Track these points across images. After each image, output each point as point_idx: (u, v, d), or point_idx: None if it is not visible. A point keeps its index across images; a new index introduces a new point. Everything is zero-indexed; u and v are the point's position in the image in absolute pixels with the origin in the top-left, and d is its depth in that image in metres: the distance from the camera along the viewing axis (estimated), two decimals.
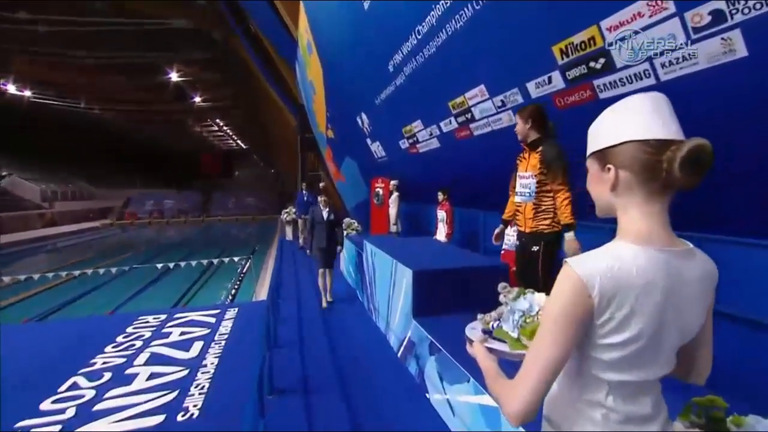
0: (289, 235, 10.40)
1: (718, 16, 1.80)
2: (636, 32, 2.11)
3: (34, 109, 23.82)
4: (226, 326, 3.92)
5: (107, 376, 2.90)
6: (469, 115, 4.06)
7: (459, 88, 3.93)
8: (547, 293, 2.17)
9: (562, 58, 2.60)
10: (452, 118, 4.38)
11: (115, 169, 31.57)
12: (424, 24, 3.88)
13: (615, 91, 2.39)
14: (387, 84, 5.48)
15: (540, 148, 2.38)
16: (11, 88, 21.43)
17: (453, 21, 3.42)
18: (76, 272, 8.01)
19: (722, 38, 1.83)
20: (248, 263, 10.44)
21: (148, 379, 2.84)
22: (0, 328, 4.18)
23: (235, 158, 39.90)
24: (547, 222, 2.38)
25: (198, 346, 3.37)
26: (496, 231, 2.77)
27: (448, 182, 5.43)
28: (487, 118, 3.82)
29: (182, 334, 3.66)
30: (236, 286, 8.79)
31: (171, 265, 10.00)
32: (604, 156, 0.70)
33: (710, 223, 2.40)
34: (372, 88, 6.05)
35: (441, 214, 5.40)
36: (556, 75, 2.72)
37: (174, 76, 21.70)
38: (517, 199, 2.55)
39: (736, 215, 2.25)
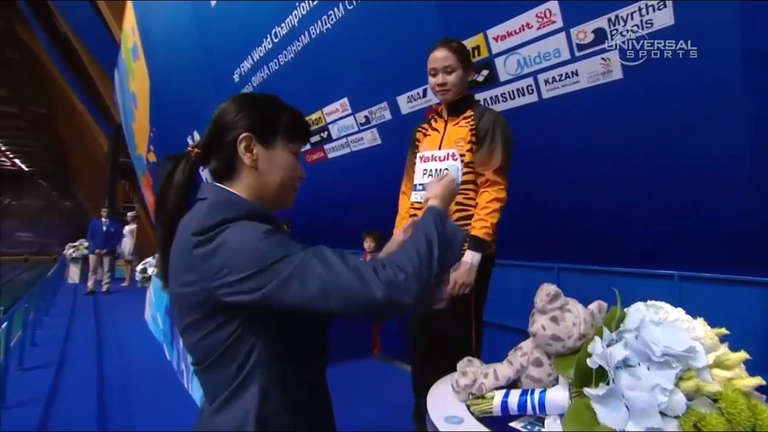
0: (73, 277, 7.48)
1: (600, 34, 1.68)
2: (523, 44, 1.89)
3: None
4: None
5: None
6: (325, 134, 3.45)
7: (317, 101, 3.31)
8: (477, 352, 1.27)
9: None
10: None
11: None
12: (283, 25, 3.20)
13: (495, 108, 2.12)
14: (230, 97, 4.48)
15: (470, 112, 1.44)
16: None
17: (319, 22, 2.85)
18: None
19: (602, 58, 1.71)
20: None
21: None
22: None
23: (7, 182, 29.32)
24: (482, 233, 1.36)
25: None
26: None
27: (293, 213, 4.60)
28: (346, 138, 3.27)
29: None
30: None
31: None
32: None
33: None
34: (211, 101, 4.86)
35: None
36: None
37: None
38: (420, 197, 1.48)
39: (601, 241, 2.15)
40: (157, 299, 4.34)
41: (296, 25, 3.06)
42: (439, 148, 1.48)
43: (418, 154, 1.54)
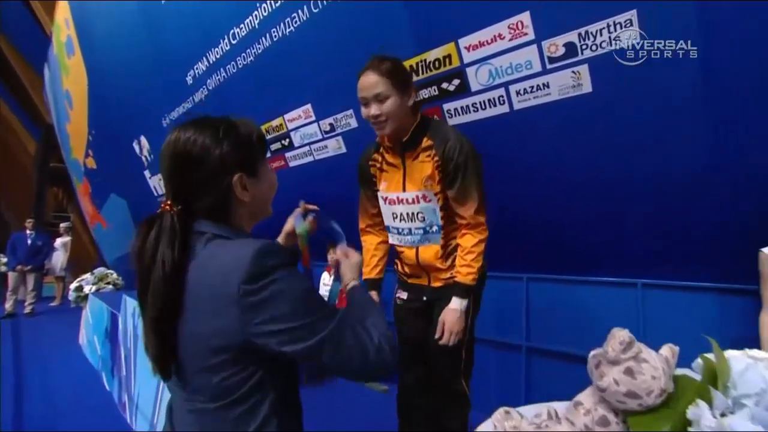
0: None
1: (570, 48, 1.69)
2: (495, 54, 1.87)
3: None
4: None
5: None
6: (286, 141, 3.27)
7: (279, 107, 3.13)
8: (466, 383, 0.91)
9: (412, 77, 2.19)
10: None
11: None
12: (242, 26, 3.00)
13: (466, 117, 2.09)
14: (182, 100, 4.16)
15: (428, 141, 1.23)
16: None
17: (282, 25, 2.70)
18: None
19: (573, 71, 1.72)
20: None
21: None
22: None
23: None
24: (469, 279, 1.26)
25: None
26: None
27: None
28: (309, 146, 3.12)
29: None
30: None
31: None
32: None
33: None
34: (160, 104, 4.55)
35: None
36: None
37: None
38: (398, 240, 1.36)
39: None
40: (95, 321, 3.86)
41: (257, 26, 2.88)
42: (404, 190, 1.29)
43: (381, 194, 1.37)
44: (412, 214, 1.29)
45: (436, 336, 1.23)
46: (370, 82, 1.20)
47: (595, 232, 2.02)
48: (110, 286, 4.61)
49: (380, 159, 1.37)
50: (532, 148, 1.98)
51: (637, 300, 1.98)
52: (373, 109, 1.20)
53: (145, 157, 5.70)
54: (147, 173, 5.89)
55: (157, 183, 5.88)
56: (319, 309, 0.57)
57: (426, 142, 1.25)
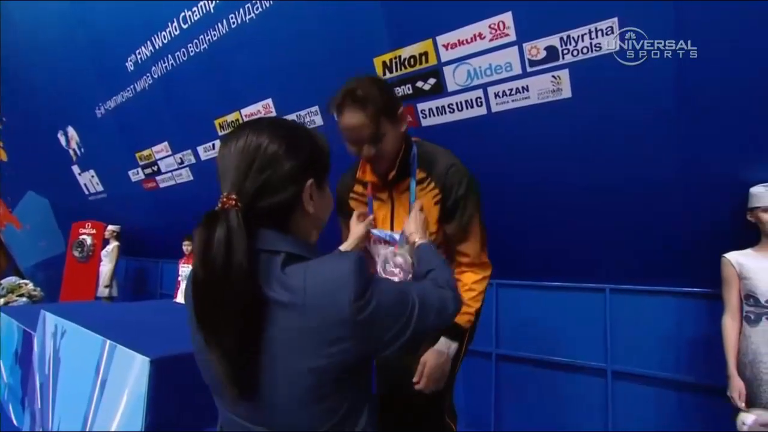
0: None
1: (552, 52, 1.66)
2: (474, 54, 1.80)
3: None
4: None
5: None
6: None
7: (235, 101, 2.86)
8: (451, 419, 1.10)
9: (384, 74, 2.06)
10: (217, 142, 3.17)
11: None
12: (194, 9, 2.70)
13: (441, 119, 2.01)
14: (121, 88, 3.69)
15: (423, 172, 1.04)
16: None
17: (241, 11, 2.45)
18: None
19: (553, 75, 1.70)
20: None
21: None
22: None
23: None
24: (464, 320, 1.06)
25: None
26: None
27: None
28: None
29: None
30: None
31: None
32: None
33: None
34: (94, 91, 4.02)
35: (185, 270, 3.78)
36: None
37: None
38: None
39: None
40: (2, 341, 3.24)
41: (212, 11, 2.60)
42: (392, 229, 1.08)
43: (378, 236, 1.12)
44: (402, 262, 1.05)
45: (415, 379, 1.03)
46: (357, 123, 0.95)
47: (565, 238, 2.02)
48: (24, 299, 3.94)
49: (362, 190, 1.16)
50: (508, 152, 1.93)
51: (605, 305, 2.00)
52: (366, 151, 0.99)
53: (74, 150, 4.99)
54: (76, 168, 5.18)
55: (88, 180, 5.18)
56: (404, 296, 0.59)
57: (419, 173, 1.04)
